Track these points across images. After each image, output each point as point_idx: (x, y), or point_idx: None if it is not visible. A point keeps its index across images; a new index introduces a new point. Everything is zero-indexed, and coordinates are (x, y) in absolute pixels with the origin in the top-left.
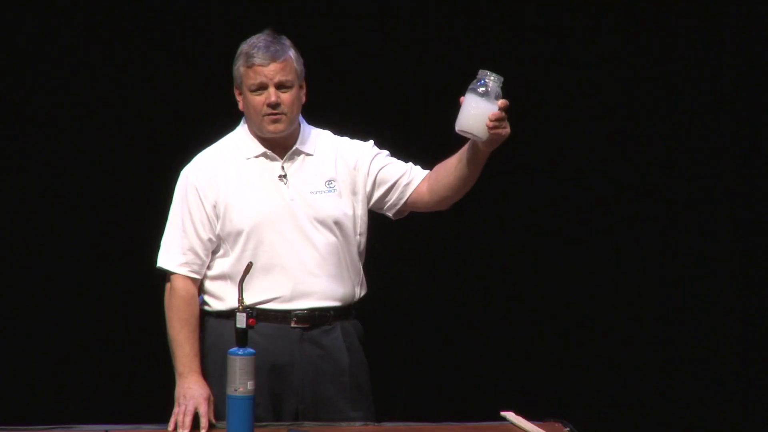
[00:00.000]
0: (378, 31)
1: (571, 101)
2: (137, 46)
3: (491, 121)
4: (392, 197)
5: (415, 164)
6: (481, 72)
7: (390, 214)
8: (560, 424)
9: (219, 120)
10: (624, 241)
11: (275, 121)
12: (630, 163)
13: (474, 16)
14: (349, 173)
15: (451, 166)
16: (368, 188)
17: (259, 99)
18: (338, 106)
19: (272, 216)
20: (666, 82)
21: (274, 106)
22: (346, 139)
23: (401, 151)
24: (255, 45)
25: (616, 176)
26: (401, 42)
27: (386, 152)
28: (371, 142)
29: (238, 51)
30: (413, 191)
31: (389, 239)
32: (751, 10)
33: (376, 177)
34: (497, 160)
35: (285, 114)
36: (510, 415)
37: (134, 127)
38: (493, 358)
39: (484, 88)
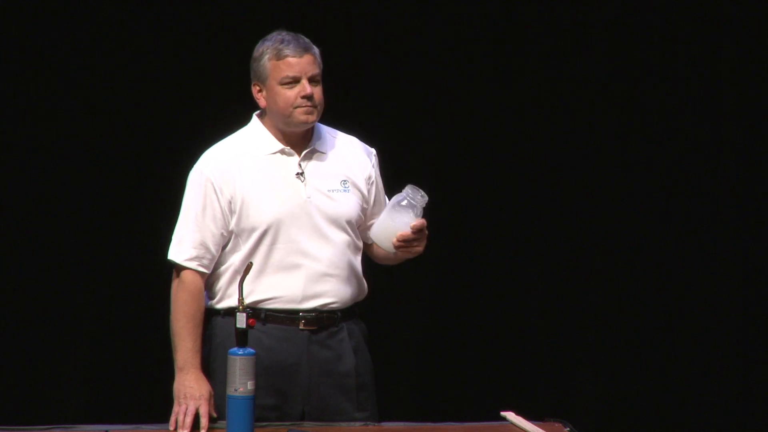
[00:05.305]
0: (378, 32)
1: (570, 101)
2: (142, 45)
3: (398, 240)
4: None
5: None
6: (409, 186)
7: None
8: (560, 424)
9: (223, 118)
10: (624, 242)
11: (308, 113)
12: (630, 163)
13: (474, 16)
14: (362, 174)
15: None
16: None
17: (290, 92)
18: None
19: (289, 214)
20: (666, 82)
21: (310, 98)
22: (356, 140)
23: (401, 151)
24: (282, 39)
25: (616, 176)
26: (402, 42)
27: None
28: (374, 152)
29: (261, 47)
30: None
31: None
32: (751, 10)
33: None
34: (499, 160)
35: (316, 107)
36: (510, 415)
37: (136, 124)
38: (493, 358)
39: (405, 202)
